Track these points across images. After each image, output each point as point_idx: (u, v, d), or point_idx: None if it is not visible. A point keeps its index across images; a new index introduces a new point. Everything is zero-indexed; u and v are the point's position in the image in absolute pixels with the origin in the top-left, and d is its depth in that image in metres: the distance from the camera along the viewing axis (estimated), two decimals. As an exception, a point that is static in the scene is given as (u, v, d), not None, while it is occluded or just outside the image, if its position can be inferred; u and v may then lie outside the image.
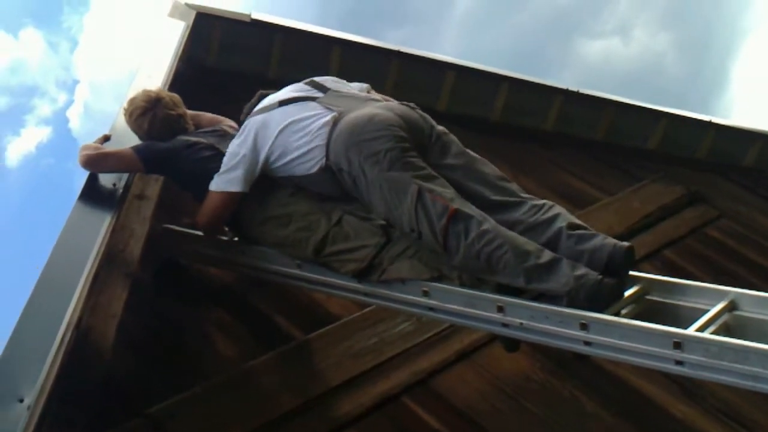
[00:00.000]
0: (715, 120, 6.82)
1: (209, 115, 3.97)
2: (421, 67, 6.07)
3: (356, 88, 3.51)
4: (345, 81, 3.54)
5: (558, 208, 2.99)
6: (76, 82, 71.84)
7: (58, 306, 2.75)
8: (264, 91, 3.54)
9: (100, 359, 2.97)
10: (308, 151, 3.14)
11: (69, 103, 69.72)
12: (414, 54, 6.06)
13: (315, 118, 3.17)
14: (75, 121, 63.30)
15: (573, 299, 2.63)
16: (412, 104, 3.26)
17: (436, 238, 2.82)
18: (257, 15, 5.64)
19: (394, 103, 3.24)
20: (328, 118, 3.13)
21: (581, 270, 2.66)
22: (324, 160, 3.10)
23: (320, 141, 3.10)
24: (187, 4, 5.52)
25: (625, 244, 2.78)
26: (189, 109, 3.90)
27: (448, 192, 2.89)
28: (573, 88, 6.43)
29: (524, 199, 3.04)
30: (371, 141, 2.98)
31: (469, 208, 2.84)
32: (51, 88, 71.90)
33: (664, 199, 5.67)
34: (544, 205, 2.99)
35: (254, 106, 3.45)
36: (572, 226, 2.89)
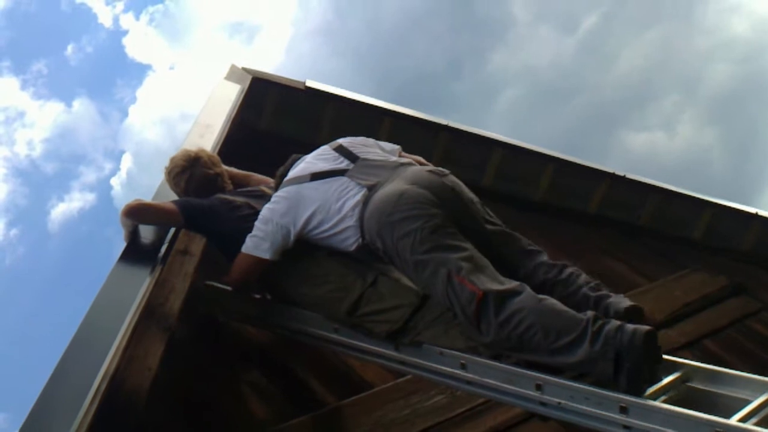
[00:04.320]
0: (761, 212, 6.77)
1: (258, 176, 4.03)
2: (468, 142, 6.11)
3: (388, 146, 3.60)
4: (372, 140, 3.61)
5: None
6: (122, 151, 73.56)
7: (96, 355, 2.76)
8: (297, 156, 3.60)
9: (134, 412, 2.96)
10: (343, 230, 3.20)
11: (114, 171, 71.38)
12: (462, 129, 6.11)
13: (346, 197, 3.21)
14: (118, 189, 64.58)
15: (588, 371, 2.61)
16: (442, 170, 3.27)
17: (469, 321, 2.82)
18: (312, 83, 5.73)
19: (423, 172, 3.22)
20: (358, 197, 3.18)
21: (599, 345, 2.59)
22: (360, 240, 3.15)
23: (353, 222, 3.16)
24: (244, 69, 5.63)
25: (644, 328, 2.61)
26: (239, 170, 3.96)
27: (480, 273, 2.87)
28: (620, 172, 6.42)
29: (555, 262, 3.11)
30: (401, 222, 2.99)
31: (500, 284, 2.83)
32: (98, 156, 73.62)
33: (706, 288, 5.60)
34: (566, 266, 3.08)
35: (287, 169, 3.52)
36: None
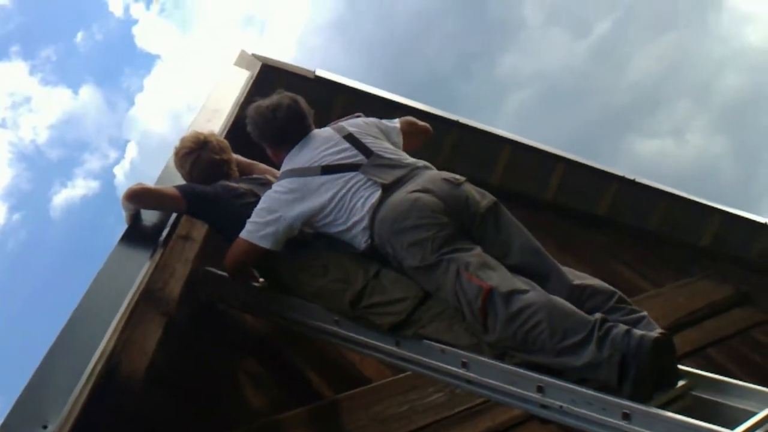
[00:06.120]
0: (771, 222, 6.73)
1: (263, 165, 3.97)
2: (478, 139, 6.05)
3: (392, 131, 3.54)
4: (378, 124, 3.55)
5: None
6: (127, 141, 73.77)
7: (92, 336, 2.73)
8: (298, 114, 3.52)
9: (128, 394, 2.94)
10: (352, 228, 3.16)
11: (118, 160, 71.69)
12: (472, 126, 6.06)
13: (360, 196, 3.16)
14: (121, 177, 64.76)
15: (592, 375, 2.55)
16: (457, 177, 3.19)
17: (476, 318, 2.77)
18: (321, 72, 5.67)
19: (438, 180, 3.15)
20: (373, 199, 3.12)
21: (605, 349, 2.53)
22: (370, 241, 3.12)
23: (364, 223, 3.12)
24: (254, 55, 5.58)
25: (653, 334, 2.59)
26: (246, 158, 3.91)
27: (489, 269, 2.84)
28: (629, 175, 6.38)
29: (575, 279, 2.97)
30: (413, 229, 2.97)
31: (509, 283, 2.78)
32: (103, 144, 73.91)
33: (712, 296, 5.57)
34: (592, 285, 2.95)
35: (293, 134, 3.45)
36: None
